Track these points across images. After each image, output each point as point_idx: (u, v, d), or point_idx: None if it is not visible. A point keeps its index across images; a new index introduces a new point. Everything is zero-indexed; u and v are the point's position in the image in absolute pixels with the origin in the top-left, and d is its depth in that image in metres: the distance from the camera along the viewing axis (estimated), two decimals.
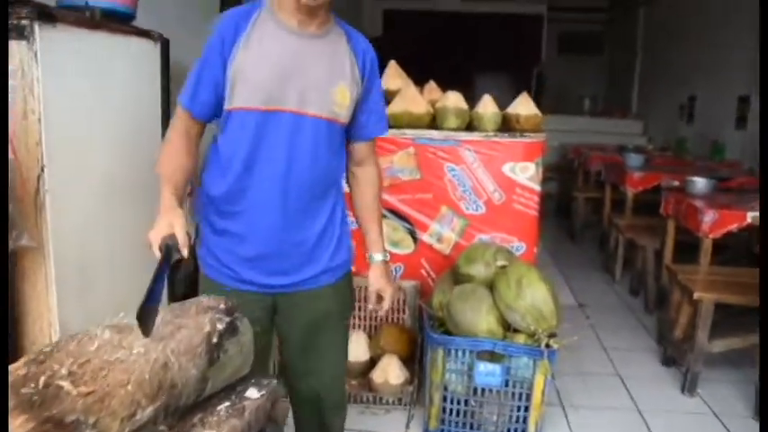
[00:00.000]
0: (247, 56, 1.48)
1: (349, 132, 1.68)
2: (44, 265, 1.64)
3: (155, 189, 1.49)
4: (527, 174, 2.97)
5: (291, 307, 1.70)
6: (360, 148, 1.74)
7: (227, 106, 1.52)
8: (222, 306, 1.28)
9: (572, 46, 11.18)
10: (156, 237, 1.36)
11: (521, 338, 2.36)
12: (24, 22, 1.51)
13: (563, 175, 7.16)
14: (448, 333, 2.48)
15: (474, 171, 2.96)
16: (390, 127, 2.98)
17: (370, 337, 2.92)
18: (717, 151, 5.79)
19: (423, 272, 3.06)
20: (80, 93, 1.69)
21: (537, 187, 2.99)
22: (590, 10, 10.92)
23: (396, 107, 2.94)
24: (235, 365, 1.26)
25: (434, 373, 2.43)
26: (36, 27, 1.52)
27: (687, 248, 3.58)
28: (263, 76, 1.49)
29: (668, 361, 3.29)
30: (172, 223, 1.38)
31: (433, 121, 3.01)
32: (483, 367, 2.35)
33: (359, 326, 2.97)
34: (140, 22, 2.06)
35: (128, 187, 1.92)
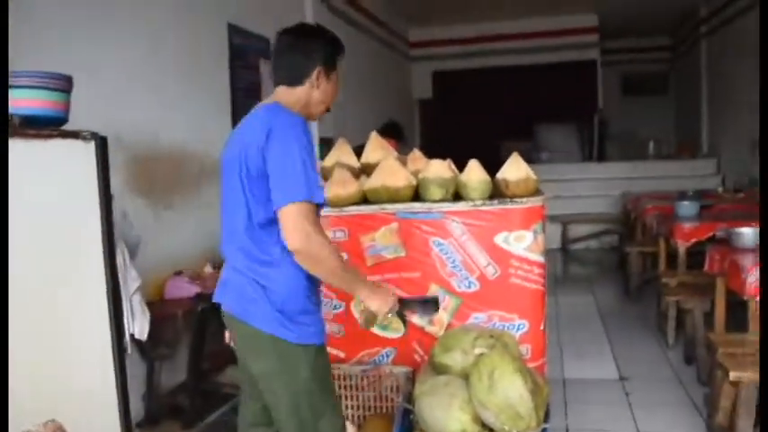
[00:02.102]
0: None
1: None
2: None
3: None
4: (523, 243, 2.70)
5: None
6: None
7: None
8: None
9: (636, 88, 10.69)
10: (393, 303, 1.86)
11: None
12: None
13: (623, 228, 6.66)
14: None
15: (463, 244, 2.73)
16: (370, 202, 2.87)
17: (359, 427, 2.70)
18: None
19: (416, 357, 2.82)
20: None
21: (537, 258, 2.71)
22: (653, 49, 10.46)
23: (374, 181, 2.79)
24: None
25: None
26: None
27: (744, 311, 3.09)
28: None
29: None
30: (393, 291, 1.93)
31: (418, 194, 2.83)
32: None
33: (348, 415, 2.75)
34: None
35: (47, 282, 1.88)
